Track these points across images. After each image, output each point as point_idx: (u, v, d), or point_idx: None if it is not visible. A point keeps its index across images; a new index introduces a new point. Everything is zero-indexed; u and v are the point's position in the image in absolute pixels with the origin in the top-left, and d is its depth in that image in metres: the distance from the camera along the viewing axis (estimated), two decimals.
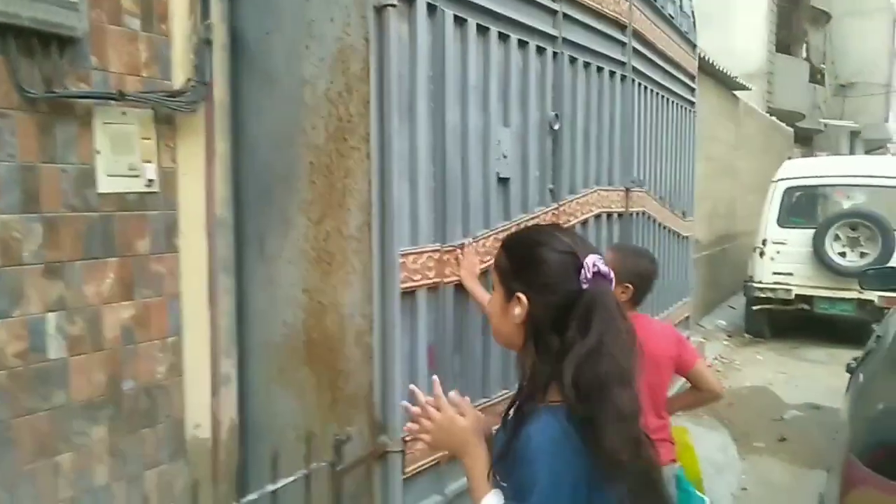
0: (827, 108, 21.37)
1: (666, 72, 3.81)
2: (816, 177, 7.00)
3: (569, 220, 2.75)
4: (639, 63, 3.32)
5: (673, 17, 3.90)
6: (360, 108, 1.89)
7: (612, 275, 1.12)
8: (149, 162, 1.90)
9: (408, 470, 2.02)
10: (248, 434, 2.27)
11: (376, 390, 1.96)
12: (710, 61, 7.34)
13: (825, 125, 21.18)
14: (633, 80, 3.26)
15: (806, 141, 20.31)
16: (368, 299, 1.93)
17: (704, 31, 16.16)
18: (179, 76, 1.97)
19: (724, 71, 7.93)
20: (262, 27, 2.12)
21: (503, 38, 2.31)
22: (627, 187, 3.23)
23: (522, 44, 2.41)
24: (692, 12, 4.40)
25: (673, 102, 4.00)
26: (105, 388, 1.84)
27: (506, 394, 2.43)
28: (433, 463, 2.12)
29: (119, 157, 1.82)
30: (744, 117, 9.80)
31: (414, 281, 1.99)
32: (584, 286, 1.08)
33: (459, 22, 2.11)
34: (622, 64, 3.13)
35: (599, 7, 2.84)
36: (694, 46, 4.45)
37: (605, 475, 1.02)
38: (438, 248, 2.07)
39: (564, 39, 2.63)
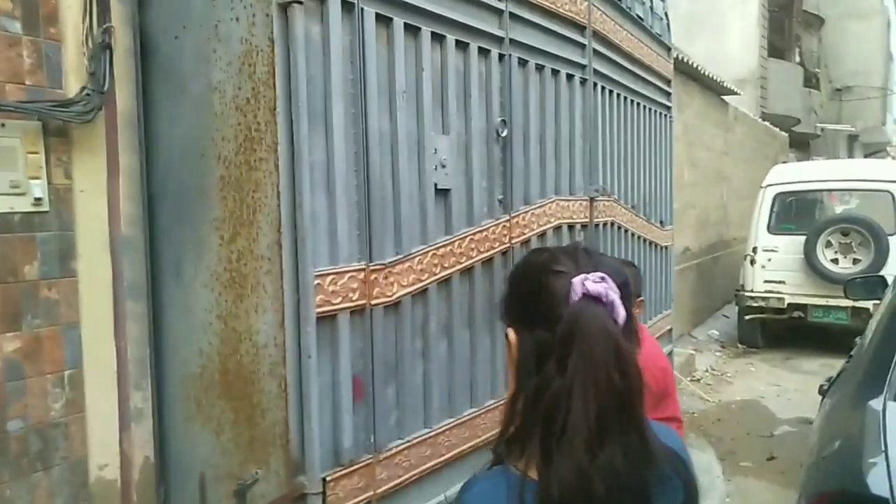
0: (823, 112, 21.28)
1: (635, 75, 3.64)
2: (806, 181, 6.82)
3: (523, 233, 2.57)
4: (601, 66, 3.14)
5: (642, 19, 3.74)
6: (267, 115, 1.72)
7: (612, 296, 0.86)
8: (36, 178, 1.73)
9: None
10: (169, 474, 2.09)
11: (292, 427, 1.77)
12: (696, 66, 7.19)
13: (822, 129, 21.07)
14: (595, 84, 3.08)
15: (802, 146, 20.16)
16: (281, 326, 1.75)
17: (696, 38, 16.10)
18: (73, 84, 1.80)
19: (712, 76, 7.77)
20: (171, 30, 1.96)
21: (438, 38, 2.13)
22: (592, 196, 3.05)
23: (462, 45, 2.24)
24: (666, 14, 4.24)
25: (644, 107, 3.82)
26: None
27: (450, 423, 2.24)
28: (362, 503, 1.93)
29: (0, 174, 1.65)
30: (734, 123, 9.64)
31: (333, 304, 1.80)
32: (568, 309, 0.86)
33: (384, 21, 1.94)
34: (581, 67, 2.95)
35: (552, 6, 2.67)
36: (668, 49, 4.29)
37: None
38: (363, 266, 1.89)
39: (512, 41, 2.46)
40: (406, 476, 2.06)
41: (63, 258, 1.80)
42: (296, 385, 1.76)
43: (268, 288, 1.77)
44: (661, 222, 4.22)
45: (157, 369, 2.04)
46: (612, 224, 3.36)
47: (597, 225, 3.14)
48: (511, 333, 0.94)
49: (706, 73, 7.49)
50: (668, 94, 4.30)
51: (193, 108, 1.91)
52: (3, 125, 1.65)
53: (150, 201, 2.02)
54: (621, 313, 0.86)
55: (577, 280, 0.86)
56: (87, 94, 1.80)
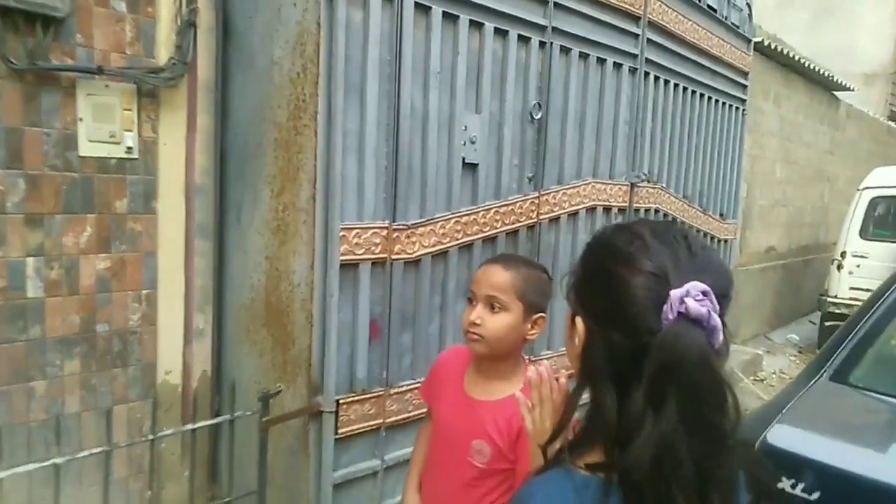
0: None
1: (700, 66, 3.65)
2: None
3: (552, 211, 2.75)
4: (657, 56, 3.22)
5: (715, 10, 3.73)
6: (312, 88, 2.02)
7: (715, 320, 0.73)
8: (129, 131, 2.13)
9: (342, 431, 2.14)
10: (222, 385, 2.49)
11: (315, 355, 2.10)
12: (799, 59, 6.86)
13: None
14: (647, 73, 3.17)
15: None
16: (311, 268, 2.07)
17: (824, 28, 15.01)
18: (163, 55, 2.18)
19: (819, 70, 7.37)
20: (246, 11, 2.30)
21: (476, 25, 2.35)
22: (633, 182, 3.16)
23: (501, 32, 2.44)
24: (748, 4, 4.17)
25: (710, 98, 3.82)
26: (79, 328, 2.10)
27: None
28: (372, 428, 2.23)
29: (100, 125, 2.06)
30: (845, 120, 9.05)
31: (356, 255, 2.10)
32: (662, 329, 0.73)
33: (423, 9, 2.18)
34: (633, 56, 3.05)
35: None
36: (748, 41, 4.21)
37: None
38: (387, 225, 2.17)
39: (555, 29, 2.62)
40: (416, 412, 2.34)
41: (147, 198, 2.21)
42: (320, 320, 2.08)
43: (304, 236, 2.09)
44: (722, 215, 4.21)
45: (218, 297, 2.43)
46: (657, 211, 3.44)
47: (636, 210, 3.24)
48: (579, 323, 0.83)
49: (811, 67, 7.12)
50: (744, 87, 4.24)
51: (258, 79, 2.24)
52: (106, 86, 2.06)
53: (221, 156, 2.39)
54: (720, 338, 0.73)
55: (676, 295, 0.72)
56: (174, 64, 2.18)
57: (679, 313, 0.72)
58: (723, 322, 0.73)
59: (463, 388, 1.50)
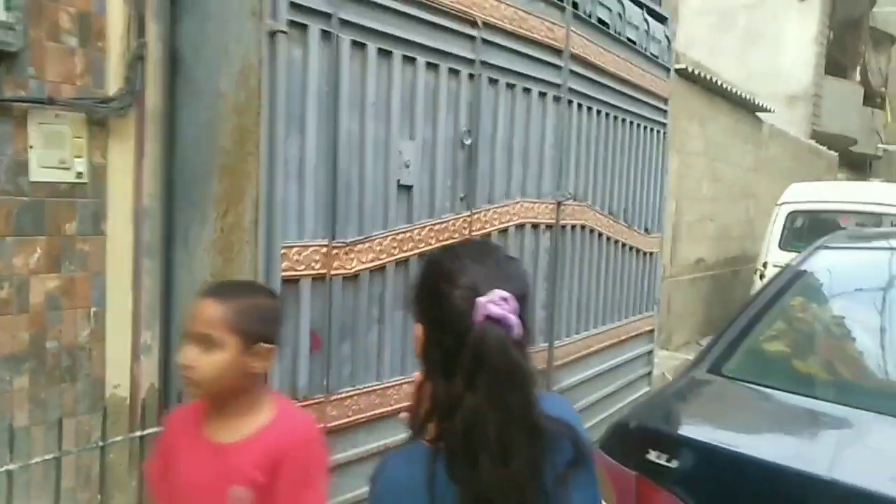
0: (888, 133, 20.59)
1: (622, 94, 3.98)
2: (821, 202, 6.92)
3: (484, 228, 2.98)
4: (580, 85, 3.51)
5: (635, 42, 4.07)
6: (255, 118, 2.20)
7: (512, 319, 0.94)
8: (79, 157, 2.25)
9: None
10: (171, 398, 2.60)
11: None
12: (722, 84, 7.36)
13: (884, 151, 20.41)
14: (571, 101, 3.45)
15: (860, 167, 19.61)
16: None
17: (752, 52, 15.84)
18: (112, 86, 2.32)
19: (740, 94, 7.91)
20: (193, 46, 2.46)
21: (409, 59, 2.57)
22: (559, 200, 3.42)
23: (432, 66, 2.66)
24: (667, 36, 4.54)
25: (632, 123, 4.15)
26: (28, 344, 2.19)
27: (401, 379, 2.68)
28: None
29: (51, 152, 2.18)
30: (768, 140, 9.69)
31: (297, 270, 2.27)
32: (472, 330, 0.94)
33: (359, 46, 2.39)
34: (556, 86, 3.33)
35: (527, 33, 3.06)
36: (667, 70, 4.58)
37: None
38: (326, 243, 2.34)
39: (483, 62, 2.87)
40: (355, 417, 2.51)
41: (96, 220, 2.33)
42: None
43: (247, 255, 2.25)
44: (647, 229, 4.54)
45: (165, 315, 2.55)
46: (584, 227, 3.72)
47: (563, 226, 3.51)
48: (418, 329, 1.03)
49: (733, 91, 7.65)
50: (664, 112, 4.60)
51: (205, 109, 2.40)
52: (57, 115, 2.18)
53: (169, 181, 2.52)
54: (518, 331, 0.95)
55: (481, 302, 0.93)
56: (123, 94, 2.31)
57: (484, 315, 0.93)
58: (523, 318, 0.96)
59: (205, 438, 1.37)
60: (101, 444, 1.97)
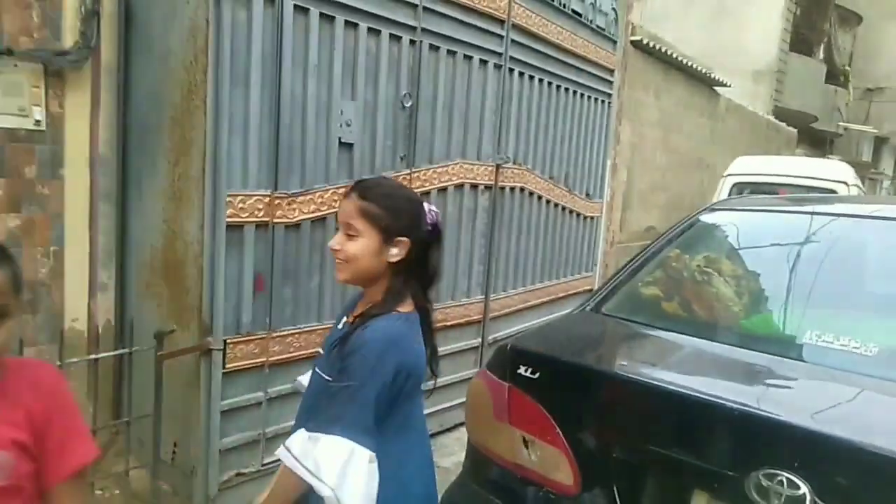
0: (849, 111, 21.06)
1: (566, 64, 4.20)
2: (762, 174, 7.26)
3: (423, 186, 3.21)
4: (522, 54, 3.72)
5: (580, 14, 4.27)
6: (202, 75, 2.38)
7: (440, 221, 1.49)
8: (37, 106, 2.43)
9: (229, 366, 2.54)
10: (124, 332, 2.82)
11: (205, 302, 2.48)
12: (677, 57, 7.61)
13: (845, 129, 20.91)
14: (512, 69, 3.67)
15: (820, 143, 20.10)
16: (201, 229, 2.44)
17: (720, 26, 15.99)
18: (69, 39, 2.48)
19: (698, 68, 8.18)
20: (146, 4, 2.62)
21: (352, 25, 2.76)
22: (498, 163, 3.67)
23: (374, 31, 2.86)
24: (614, 9, 4.75)
25: (575, 92, 4.38)
26: None
27: None
28: (257, 366, 2.64)
29: (10, 100, 2.35)
30: (725, 113, 10.01)
31: (241, 218, 2.49)
32: (430, 229, 1.45)
33: (302, 10, 2.57)
34: (498, 54, 3.55)
35: (469, 3, 3.26)
36: (614, 42, 4.80)
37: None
38: (269, 193, 2.56)
39: (425, 30, 3.07)
40: (296, 353, 2.76)
41: (54, 166, 2.51)
42: (210, 273, 2.46)
43: (195, 201, 2.46)
44: (588, 195, 4.82)
45: (120, 255, 2.76)
46: (523, 190, 3.98)
47: (502, 188, 3.76)
48: (405, 240, 1.44)
49: (689, 64, 7.91)
50: (609, 83, 4.83)
51: (157, 64, 2.57)
52: (15, 65, 2.34)
53: (124, 131, 2.71)
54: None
55: (428, 208, 1.49)
56: (79, 48, 2.48)
57: (432, 221, 1.46)
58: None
59: None
60: (58, 362, 2.19)
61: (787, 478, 1.20)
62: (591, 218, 4.94)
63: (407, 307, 1.44)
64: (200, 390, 2.50)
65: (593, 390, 1.56)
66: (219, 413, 2.53)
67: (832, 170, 7.17)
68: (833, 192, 6.66)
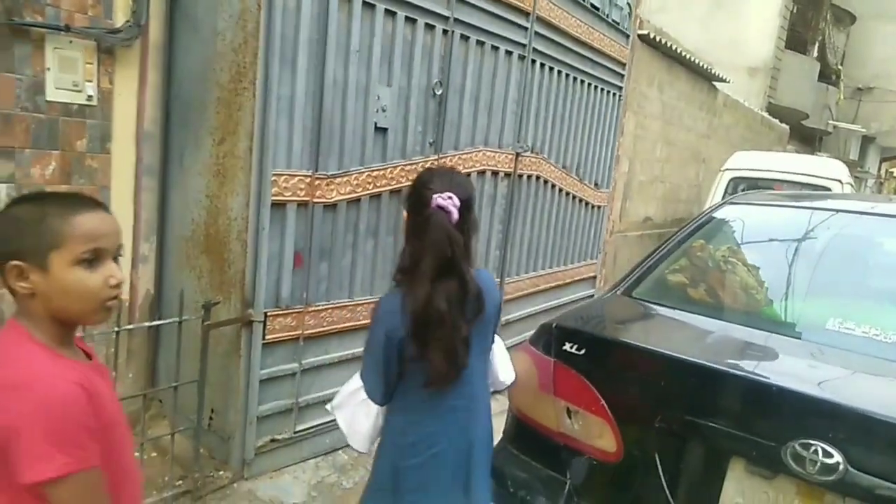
0: (839, 110, 21.35)
1: (582, 56, 4.31)
2: (759, 170, 7.45)
3: None
4: (543, 46, 3.83)
5: (598, 8, 4.38)
6: (251, 58, 2.47)
7: (451, 207, 1.55)
8: (90, 81, 2.50)
9: (268, 338, 2.66)
10: (163, 303, 2.93)
11: (248, 276, 2.59)
12: (680, 51, 7.74)
13: (833, 127, 21.20)
14: (534, 61, 3.78)
15: (809, 141, 20.40)
16: (246, 206, 2.55)
17: (717, 21, 16.09)
18: (120, 18, 2.55)
19: (698, 62, 8.31)
20: None
21: (390, 13, 2.85)
22: (517, 151, 3.79)
23: (410, 20, 2.95)
24: (628, 3, 4.86)
25: (590, 84, 4.50)
26: None
27: (369, 299, 3.06)
28: (293, 338, 2.77)
29: (65, 75, 2.42)
30: (723, 108, 10.18)
31: (284, 196, 2.59)
32: (427, 212, 1.56)
33: None
34: (522, 45, 3.65)
35: None
36: (626, 36, 4.92)
37: (408, 322, 1.54)
38: (310, 174, 2.67)
39: (457, 20, 3.16)
40: (329, 328, 2.89)
41: (103, 140, 2.59)
42: (253, 248, 2.57)
43: (241, 179, 2.56)
44: (596, 184, 4.96)
45: (161, 229, 2.85)
46: (538, 178, 4.10)
47: (520, 176, 3.89)
48: (405, 213, 1.67)
49: (691, 59, 8.04)
50: (621, 76, 4.96)
51: (203, 45, 2.65)
52: (71, 42, 2.41)
53: (167, 107, 2.79)
54: (455, 216, 1.56)
55: (435, 195, 1.55)
56: (129, 26, 2.55)
57: (436, 205, 1.55)
58: (467, 211, 1.60)
59: None
60: (116, 329, 2.30)
61: (822, 447, 1.35)
62: (598, 207, 5.09)
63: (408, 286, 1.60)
64: (241, 360, 2.62)
65: (637, 366, 1.70)
66: (258, 382, 2.65)
67: (828, 168, 7.38)
68: (828, 189, 6.86)
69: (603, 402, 1.68)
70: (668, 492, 1.58)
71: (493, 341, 1.76)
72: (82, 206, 1.08)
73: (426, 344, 1.55)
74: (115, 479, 1.09)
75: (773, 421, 1.44)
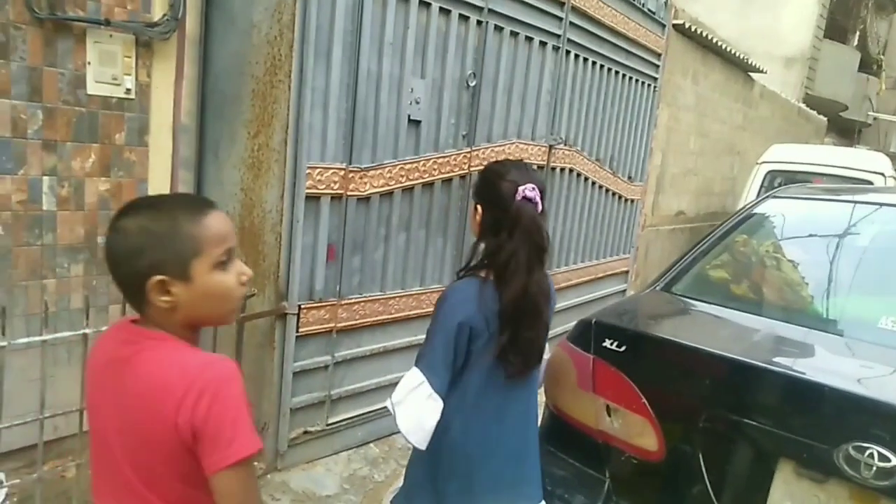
0: (879, 101, 20.73)
1: (617, 47, 4.23)
2: (798, 163, 7.26)
3: (482, 164, 3.28)
4: (578, 36, 3.76)
5: None
6: (287, 50, 2.47)
7: (538, 199, 1.54)
8: (128, 75, 2.53)
9: (302, 331, 2.67)
10: None
11: (282, 269, 2.60)
12: (716, 41, 7.56)
13: (874, 118, 20.59)
14: (569, 51, 3.72)
15: (848, 133, 19.86)
16: (281, 198, 2.55)
17: (752, 11, 15.72)
18: (157, 11, 2.57)
19: (735, 52, 8.12)
20: None
21: (424, 4, 2.82)
22: (551, 144, 3.74)
23: (444, 11, 2.92)
24: None
25: (624, 76, 4.42)
26: (83, 238, 2.52)
27: (401, 292, 3.05)
28: (326, 330, 2.77)
29: (105, 69, 2.45)
30: (759, 100, 9.94)
31: (318, 189, 2.59)
32: (514, 204, 1.52)
33: None
34: (557, 36, 3.59)
35: None
36: (663, 26, 4.82)
37: (504, 314, 1.51)
38: (344, 167, 2.66)
39: (491, 10, 3.12)
40: (361, 321, 2.89)
41: (141, 133, 2.62)
42: (287, 240, 2.58)
43: (276, 171, 2.57)
44: (630, 178, 4.87)
45: None
46: (571, 171, 4.04)
47: (553, 168, 3.84)
48: (479, 208, 1.63)
49: (727, 49, 7.86)
50: (656, 66, 4.86)
51: (238, 38, 2.66)
52: (110, 36, 2.44)
53: (203, 100, 2.81)
54: (540, 207, 1.56)
55: (521, 187, 1.53)
56: (167, 20, 2.57)
57: (522, 196, 1.53)
58: (542, 199, 1.57)
59: None
60: None
61: (878, 451, 1.30)
62: (632, 201, 5.00)
63: (485, 277, 1.58)
64: (275, 352, 2.63)
65: (680, 363, 1.66)
66: (291, 374, 2.67)
67: (870, 161, 7.15)
68: (870, 182, 6.65)
69: (644, 399, 1.64)
70: (711, 493, 1.54)
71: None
72: (203, 207, 1.07)
73: (517, 336, 1.52)
74: None
75: (825, 422, 1.39)
